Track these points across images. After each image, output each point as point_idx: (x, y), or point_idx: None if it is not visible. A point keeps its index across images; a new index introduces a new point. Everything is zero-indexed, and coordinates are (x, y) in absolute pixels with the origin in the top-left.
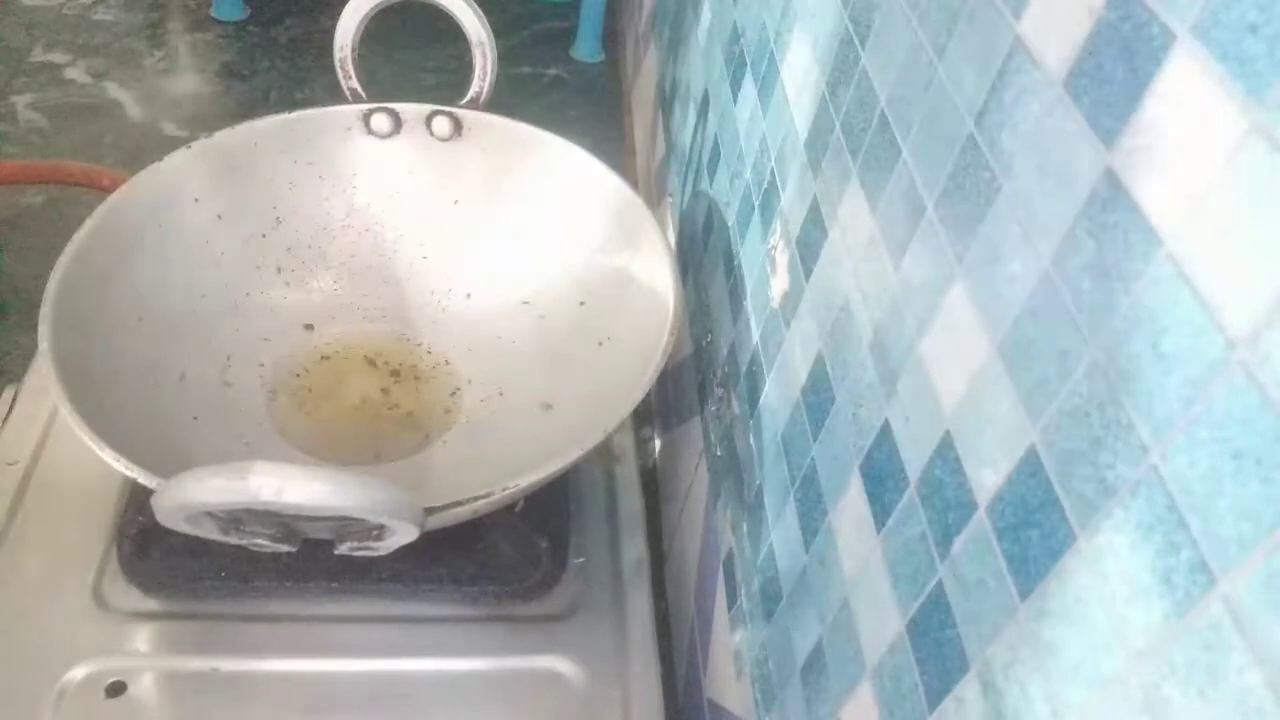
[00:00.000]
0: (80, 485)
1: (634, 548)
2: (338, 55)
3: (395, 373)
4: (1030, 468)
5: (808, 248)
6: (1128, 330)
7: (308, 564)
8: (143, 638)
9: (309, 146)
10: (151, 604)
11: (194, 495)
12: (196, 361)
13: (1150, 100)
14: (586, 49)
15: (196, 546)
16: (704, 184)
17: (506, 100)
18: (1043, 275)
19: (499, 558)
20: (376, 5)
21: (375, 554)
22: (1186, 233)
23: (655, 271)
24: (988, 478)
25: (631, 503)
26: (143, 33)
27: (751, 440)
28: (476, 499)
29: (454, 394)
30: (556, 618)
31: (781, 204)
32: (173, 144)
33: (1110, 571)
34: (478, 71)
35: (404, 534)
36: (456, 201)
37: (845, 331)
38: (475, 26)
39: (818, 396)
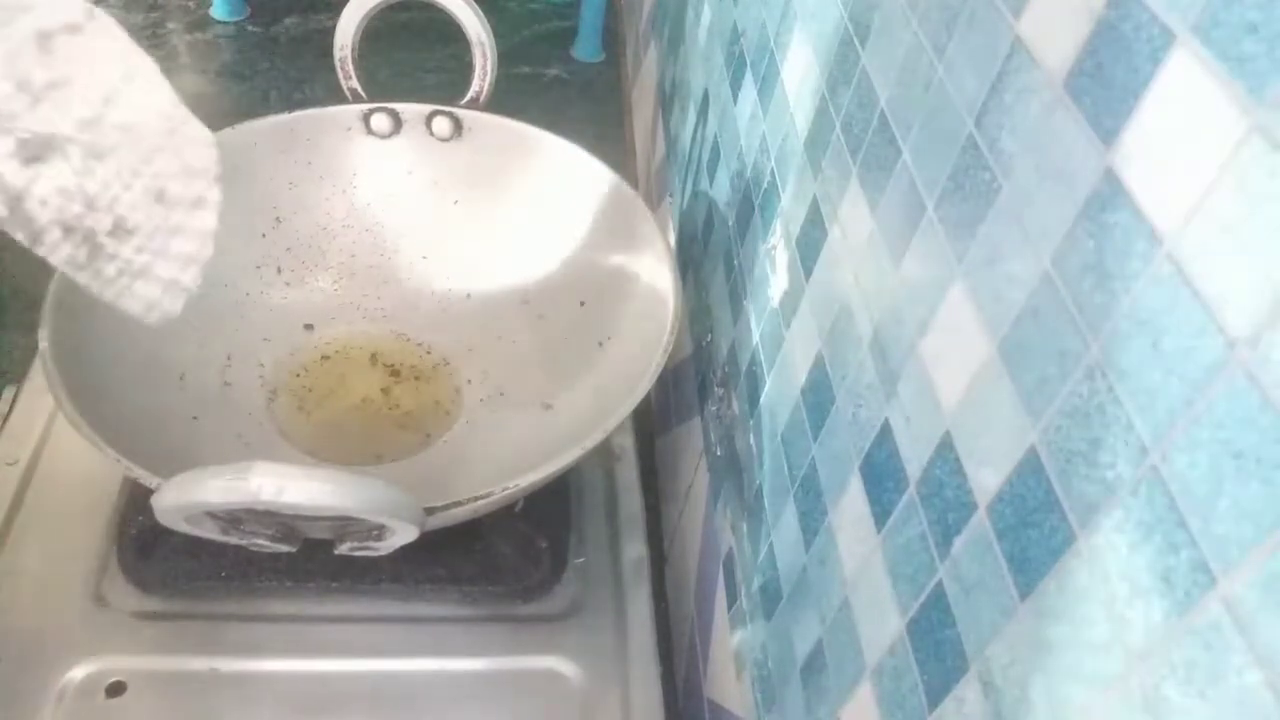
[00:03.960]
0: (80, 485)
1: (634, 548)
2: (338, 55)
3: (395, 373)
4: (1030, 468)
5: (808, 248)
6: (1128, 330)
7: (308, 564)
8: (143, 638)
9: (309, 146)
10: (151, 604)
11: (194, 495)
12: (196, 361)
13: (1150, 100)
14: (586, 49)
15: (196, 546)
16: (704, 184)
17: (506, 100)
18: (1043, 275)
19: (499, 558)
20: (376, 5)
21: (375, 554)
22: (1186, 233)
23: (655, 271)
24: (988, 478)
25: (631, 503)
26: (143, 33)
27: (751, 440)
28: (476, 499)
29: (454, 394)
30: (556, 618)
31: (781, 204)
32: None
33: (1110, 571)
34: (478, 71)
35: (404, 534)
36: (456, 201)
37: (845, 331)
38: (475, 26)
39: (818, 396)
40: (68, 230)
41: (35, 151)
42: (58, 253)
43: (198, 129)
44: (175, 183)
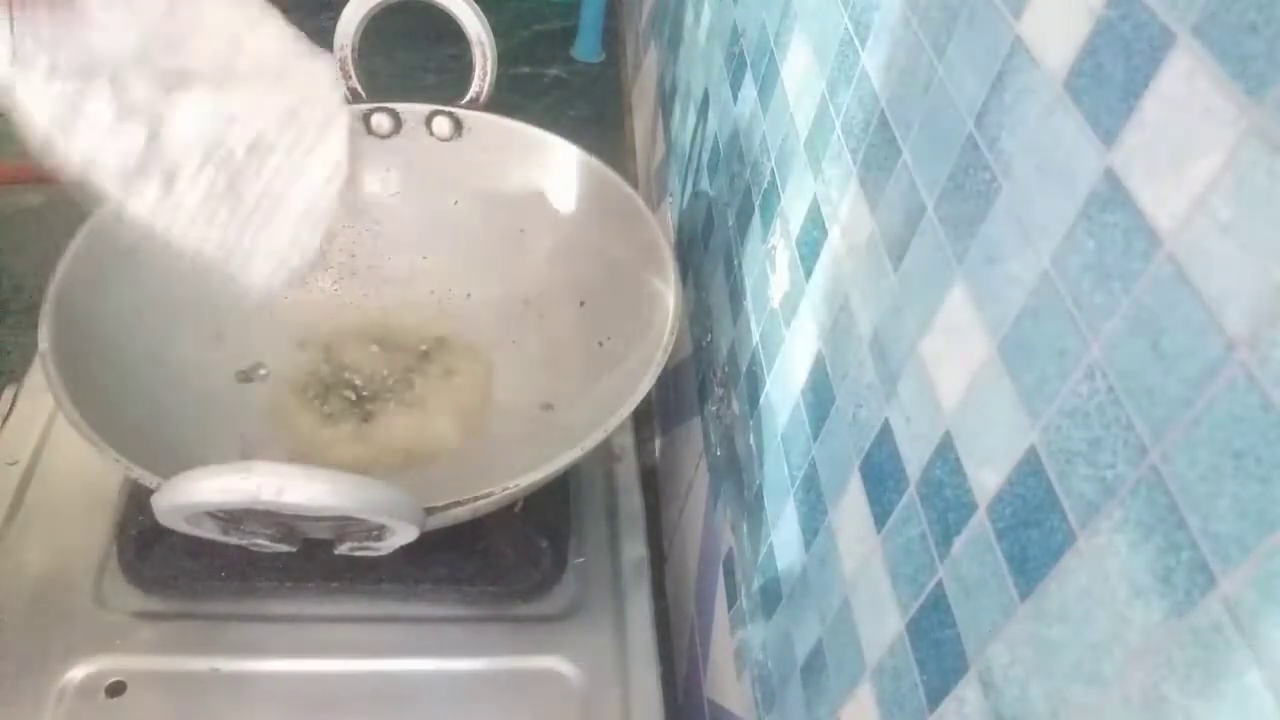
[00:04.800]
0: (80, 485)
1: (634, 548)
2: (338, 55)
3: (396, 373)
4: (1030, 468)
5: (808, 248)
6: (1128, 330)
7: (308, 564)
8: (143, 638)
9: None
10: (151, 604)
11: (194, 495)
12: (196, 362)
13: (1150, 100)
14: (586, 49)
15: (196, 546)
16: (704, 184)
17: (506, 100)
18: (1043, 275)
19: (499, 558)
20: (377, 5)
21: (375, 554)
22: (1186, 233)
23: (655, 271)
24: (988, 478)
25: (631, 503)
26: None
27: (751, 440)
28: (476, 499)
29: (454, 394)
30: (556, 618)
31: (781, 204)
32: None
33: (1110, 571)
34: (478, 71)
35: (404, 534)
36: (456, 201)
37: (845, 331)
38: (475, 26)
39: (817, 396)
40: (208, 153)
41: (175, 81)
42: (196, 186)
43: (320, 55)
44: (305, 105)
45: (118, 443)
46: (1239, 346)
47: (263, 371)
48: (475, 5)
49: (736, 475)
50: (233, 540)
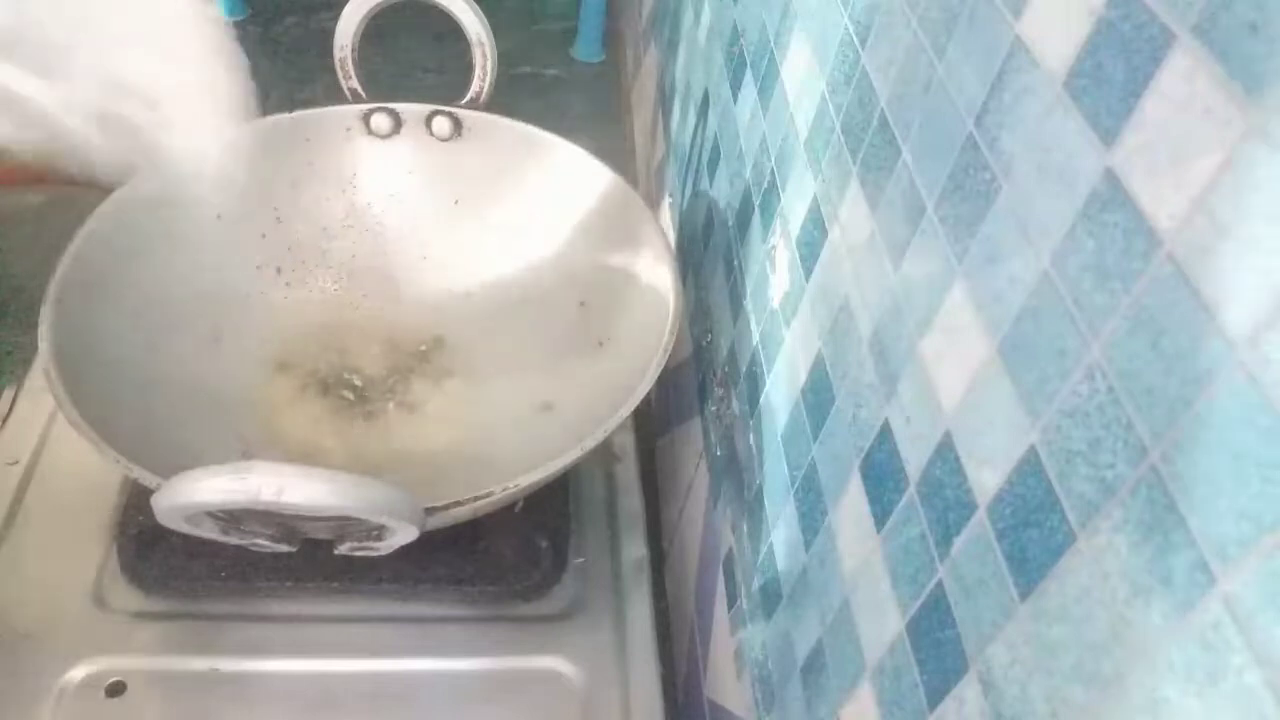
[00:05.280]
0: (80, 485)
1: (634, 548)
2: (338, 55)
3: (396, 372)
4: (1030, 468)
5: (808, 248)
6: (1128, 330)
7: (308, 564)
8: (143, 638)
9: (309, 146)
10: (151, 604)
11: (194, 495)
12: (197, 362)
13: (1150, 100)
14: (586, 49)
15: (196, 546)
16: (704, 184)
17: (506, 100)
18: (1043, 275)
19: (499, 558)
20: (377, 5)
21: (375, 554)
22: (1186, 233)
23: (655, 271)
24: (988, 478)
25: (631, 503)
26: None
27: (751, 440)
28: (476, 499)
29: (454, 394)
30: (556, 618)
31: (781, 204)
32: None
33: (1110, 571)
34: (478, 71)
35: (404, 534)
36: (456, 201)
37: (845, 331)
38: (475, 26)
39: (818, 396)
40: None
41: (44, 62)
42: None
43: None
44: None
45: (118, 443)
46: (1239, 346)
47: (263, 372)
48: (475, 5)
49: (736, 475)
50: (233, 540)
